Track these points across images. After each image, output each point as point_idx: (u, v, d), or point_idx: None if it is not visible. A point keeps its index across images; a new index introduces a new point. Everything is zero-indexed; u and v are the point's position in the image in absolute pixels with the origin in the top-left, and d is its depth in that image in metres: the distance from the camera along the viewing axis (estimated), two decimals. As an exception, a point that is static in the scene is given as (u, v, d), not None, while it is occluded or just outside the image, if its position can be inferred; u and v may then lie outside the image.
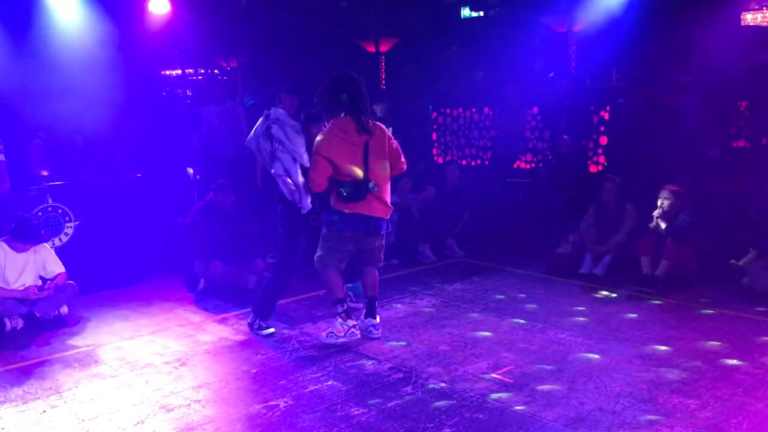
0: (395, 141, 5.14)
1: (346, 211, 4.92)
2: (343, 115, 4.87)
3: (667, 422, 3.87)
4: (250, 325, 5.49)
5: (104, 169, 7.72)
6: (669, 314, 5.76)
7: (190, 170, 8.07)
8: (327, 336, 5.13)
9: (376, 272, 5.33)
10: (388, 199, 5.09)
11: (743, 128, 8.00)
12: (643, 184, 7.23)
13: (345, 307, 5.10)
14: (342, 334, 5.07)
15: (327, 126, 4.94)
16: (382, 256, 5.32)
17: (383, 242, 5.26)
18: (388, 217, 5.11)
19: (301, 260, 5.44)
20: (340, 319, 5.10)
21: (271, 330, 5.40)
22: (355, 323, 5.15)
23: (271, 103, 8.76)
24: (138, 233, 7.33)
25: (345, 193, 4.86)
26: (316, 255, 5.11)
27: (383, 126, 5.09)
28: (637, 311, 5.84)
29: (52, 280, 5.91)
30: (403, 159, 5.16)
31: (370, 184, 4.86)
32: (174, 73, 14.17)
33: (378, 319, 5.36)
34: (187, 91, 13.03)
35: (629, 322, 5.55)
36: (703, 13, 8.89)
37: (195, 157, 8.40)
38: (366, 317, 5.33)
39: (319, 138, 4.89)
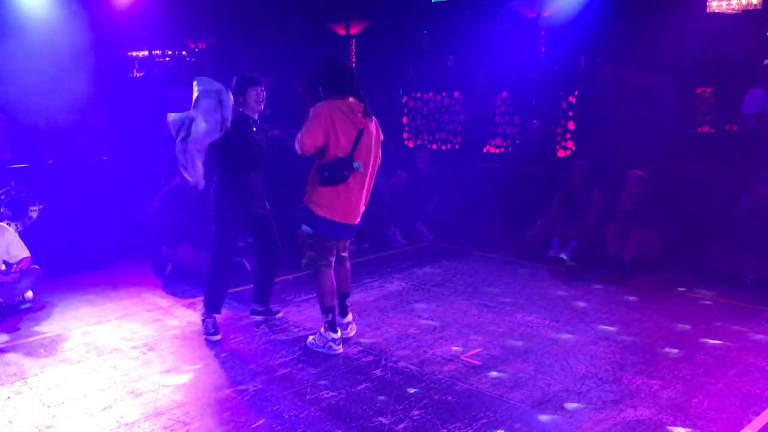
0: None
1: (324, 216, 4.58)
2: (346, 97, 4.54)
3: (631, 402, 3.95)
4: (203, 323, 5.12)
5: (69, 152, 7.57)
6: (634, 297, 5.87)
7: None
8: (310, 342, 4.86)
9: (348, 265, 5.05)
10: (365, 198, 4.77)
11: (708, 114, 8.14)
12: (611, 168, 7.33)
13: (330, 318, 4.76)
14: (321, 345, 4.78)
15: (325, 101, 4.54)
16: (347, 252, 5.04)
17: (351, 242, 5.05)
18: (358, 222, 4.80)
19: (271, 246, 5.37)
20: (322, 329, 4.80)
21: (217, 338, 4.99)
22: (337, 337, 4.78)
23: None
24: (104, 217, 7.23)
25: (326, 174, 4.51)
26: (302, 260, 4.79)
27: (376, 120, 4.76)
28: (603, 294, 5.94)
29: (17, 264, 5.80)
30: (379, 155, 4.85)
31: (355, 164, 4.50)
32: (141, 54, 13.95)
33: (350, 317, 5.09)
34: (155, 72, 12.83)
35: (595, 305, 5.64)
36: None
37: (164, 140, 8.28)
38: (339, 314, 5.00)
39: (319, 105, 4.52)
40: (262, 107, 5.06)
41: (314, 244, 4.70)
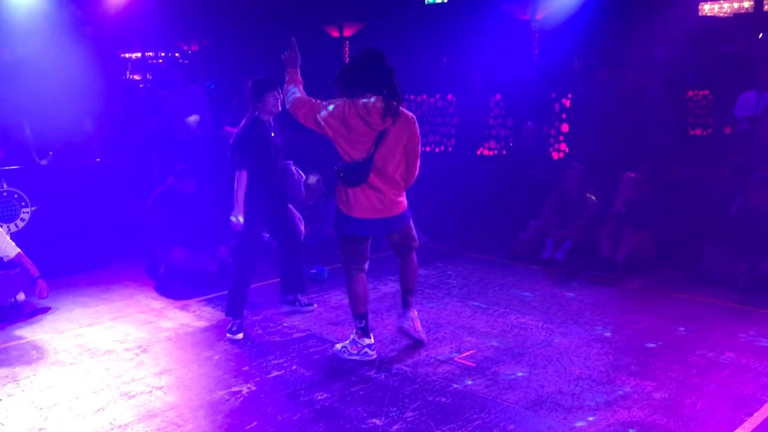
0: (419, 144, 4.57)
1: (349, 214, 4.47)
2: (370, 96, 4.35)
3: (625, 404, 3.96)
4: (228, 330, 5.15)
5: (62, 153, 7.54)
6: (628, 298, 5.88)
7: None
8: (340, 349, 4.68)
9: (414, 260, 4.83)
10: (397, 192, 4.52)
11: (700, 117, 8.18)
12: (604, 170, 7.35)
13: (363, 324, 4.60)
14: (355, 352, 4.60)
15: (347, 99, 4.39)
16: (414, 242, 4.79)
17: (409, 230, 4.74)
18: (400, 212, 4.56)
19: (264, 247, 5.40)
20: (354, 336, 4.64)
21: (240, 336, 5.05)
22: (372, 342, 4.63)
23: (233, 88, 8.64)
24: (97, 218, 7.21)
25: (342, 175, 4.40)
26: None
27: (414, 119, 4.51)
28: (597, 295, 5.95)
29: (17, 264, 5.76)
30: (416, 166, 4.58)
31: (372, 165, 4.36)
32: (134, 55, 13.94)
33: (415, 313, 4.89)
34: (147, 75, 12.82)
35: (589, 306, 5.65)
36: (662, 2, 9.04)
37: (156, 141, 8.28)
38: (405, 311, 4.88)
39: (340, 100, 4.38)
40: (279, 109, 5.11)
41: (343, 246, 4.63)
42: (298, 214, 5.57)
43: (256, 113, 5.10)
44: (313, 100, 4.47)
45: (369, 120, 4.34)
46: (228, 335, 5.08)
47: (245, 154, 4.99)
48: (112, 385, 4.32)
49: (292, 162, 5.34)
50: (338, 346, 4.75)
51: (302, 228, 5.59)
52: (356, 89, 4.39)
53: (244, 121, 5.15)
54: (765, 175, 6.30)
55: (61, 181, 7.04)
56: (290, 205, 5.50)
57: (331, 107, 4.38)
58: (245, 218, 5.01)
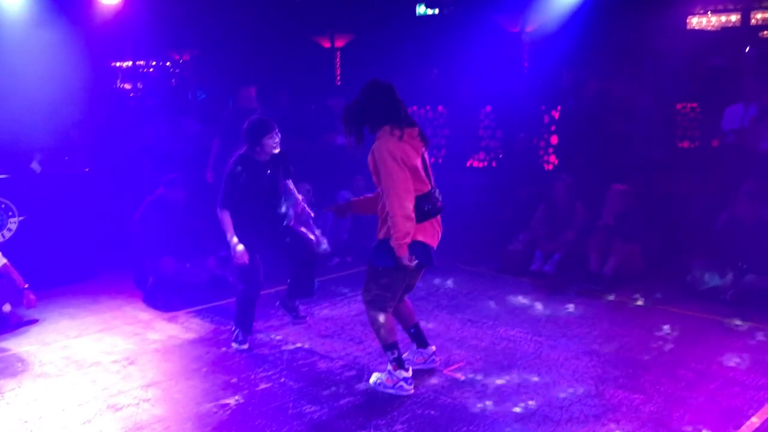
0: None
1: (421, 240, 4.14)
2: (395, 125, 4.10)
3: (613, 416, 3.96)
4: (234, 339, 5.13)
5: (51, 162, 7.51)
6: (616, 311, 5.90)
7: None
8: (375, 382, 4.37)
9: (407, 299, 4.63)
10: None
11: (688, 129, 8.24)
12: (593, 182, 7.39)
13: (396, 355, 4.28)
14: (390, 385, 4.28)
15: (383, 131, 4.11)
16: None
17: None
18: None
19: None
20: (390, 367, 4.30)
21: (246, 346, 5.04)
22: (409, 375, 4.30)
23: (224, 97, 8.63)
24: (86, 228, 7.17)
25: (426, 209, 4.12)
26: (367, 294, 4.30)
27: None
28: (585, 308, 5.96)
29: (3, 274, 5.71)
30: None
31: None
32: (125, 65, 13.91)
33: (433, 347, 4.72)
34: (138, 84, 12.80)
35: (578, 319, 5.67)
36: (651, 16, 9.14)
37: (146, 150, 8.26)
38: (419, 347, 4.67)
39: (386, 144, 4.05)
40: (278, 150, 5.04)
41: (390, 283, 4.24)
42: (308, 230, 5.46)
43: (253, 155, 5.00)
44: (394, 182, 4.04)
45: (414, 144, 4.17)
46: (233, 345, 5.07)
47: (228, 193, 4.94)
48: (99, 398, 4.29)
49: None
50: (374, 377, 4.42)
51: (314, 238, 5.45)
52: (376, 122, 4.15)
53: (235, 156, 5.05)
54: (751, 188, 6.35)
55: (49, 190, 7.00)
56: (300, 225, 5.42)
57: (397, 152, 4.05)
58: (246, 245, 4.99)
